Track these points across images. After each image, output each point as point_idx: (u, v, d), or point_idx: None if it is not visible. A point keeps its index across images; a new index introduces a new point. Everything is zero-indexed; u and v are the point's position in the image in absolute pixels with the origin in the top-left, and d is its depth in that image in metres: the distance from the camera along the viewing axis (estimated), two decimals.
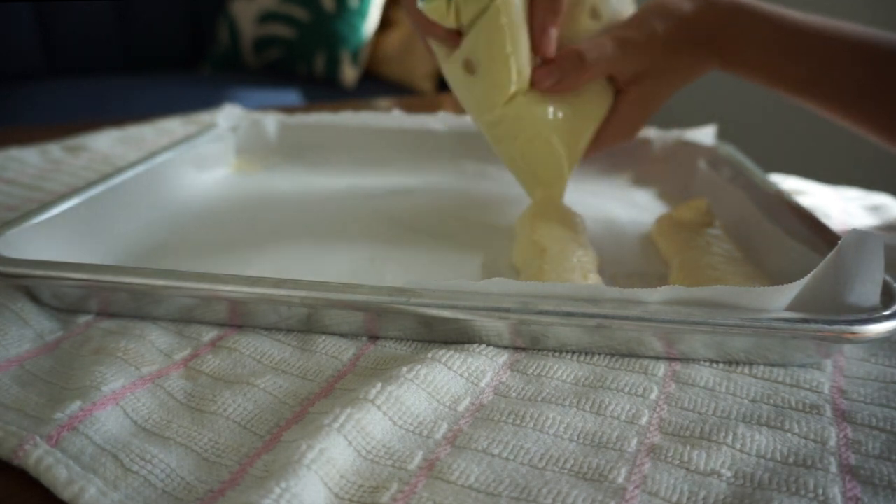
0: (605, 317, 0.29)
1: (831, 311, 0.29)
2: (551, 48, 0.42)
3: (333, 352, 0.31)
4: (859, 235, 0.28)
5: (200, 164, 0.53)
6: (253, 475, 0.23)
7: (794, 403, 0.28)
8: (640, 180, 0.55)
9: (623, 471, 0.24)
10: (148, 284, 0.31)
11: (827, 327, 0.28)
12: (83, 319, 0.33)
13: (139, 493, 0.23)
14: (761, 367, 0.30)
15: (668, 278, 0.38)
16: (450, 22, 0.40)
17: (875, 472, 0.24)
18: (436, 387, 0.27)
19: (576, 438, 0.25)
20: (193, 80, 1.50)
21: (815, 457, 0.25)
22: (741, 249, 0.39)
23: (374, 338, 0.32)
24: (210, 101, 0.92)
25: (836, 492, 0.23)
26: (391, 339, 0.32)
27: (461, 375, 0.28)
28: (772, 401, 0.28)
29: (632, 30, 0.44)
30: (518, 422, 0.26)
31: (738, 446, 0.25)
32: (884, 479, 0.24)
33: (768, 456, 0.25)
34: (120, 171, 0.44)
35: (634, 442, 0.25)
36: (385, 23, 1.59)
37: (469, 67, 0.41)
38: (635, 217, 0.48)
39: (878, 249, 0.28)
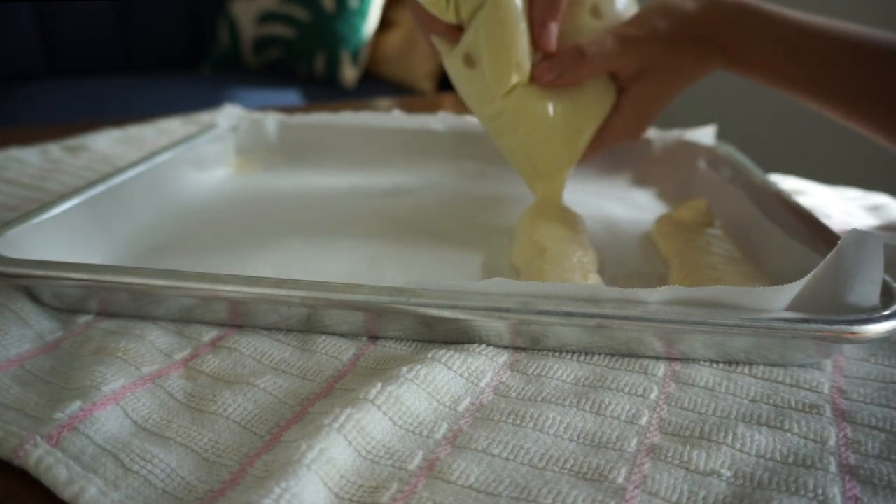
0: (605, 317, 0.29)
1: (831, 311, 0.29)
2: (551, 43, 0.42)
3: (333, 352, 0.31)
4: (859, 235, 0.28)
5: (200, 164, 0.53)
6: (253, 475, 0.23)
7: (793, 403, 0.28)
8: (640, 180, 0.55)
9: (623, 471, 0.24)
10: (148, 284, 0.31)
11: (827, 327, 0.28)
12: (83, 319, 0.33)
13: (139, 493, 0.23)
14: (761, 367, 0.30)
15: (668, 278, 0.38)
16: (449, 16, 0.41)
17: (875, 471, 0.24)
18: (436, 387, 0.27)
19: (576, 438, 0.25)
20: (193, 80, 1.50)
21: (815, 457, 0.25)
22: (741, 249, 0.39)
23: (374, 338, 0.32)
24: (210, 101, 0.92)
25: (835, 491, 0.23)
26: (391, 339, 0.32)
27: (461, 375, 0.28)
28: (772, 401, 0.28)
29: (633, 27, 0.44)
30: (518, 422, 0.26)
31: (737, 446, 0.25)
32: (883, 478, 0.24)
33: (768, 456, 0.25)
34: (120, 171, 0.44)
35: (634, 442, 0.25)
36: (385, 23, 1.59)
37: (469, 61, 0.42)
38: (635, 217, 0.48)
39: (878, 249, 0.28)
